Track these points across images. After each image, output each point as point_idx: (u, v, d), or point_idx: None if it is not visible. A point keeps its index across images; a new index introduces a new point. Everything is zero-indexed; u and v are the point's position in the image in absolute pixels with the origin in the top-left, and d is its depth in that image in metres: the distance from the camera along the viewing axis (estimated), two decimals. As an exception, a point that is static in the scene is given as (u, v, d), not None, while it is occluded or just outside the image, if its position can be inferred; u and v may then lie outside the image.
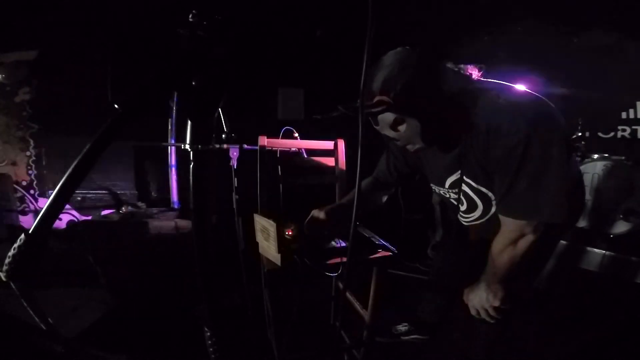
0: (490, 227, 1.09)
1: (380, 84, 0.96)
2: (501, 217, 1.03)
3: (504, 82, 1.05)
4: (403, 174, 1.41)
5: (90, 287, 2.02)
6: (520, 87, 1.05)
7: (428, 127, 1.02)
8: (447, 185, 1.18)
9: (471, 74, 1.04)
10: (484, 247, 1.09)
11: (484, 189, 1.08)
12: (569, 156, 0.95)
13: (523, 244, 1.00)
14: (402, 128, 1.04)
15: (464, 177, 1.09)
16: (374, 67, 0.99)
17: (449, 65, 1.00)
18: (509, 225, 1.01)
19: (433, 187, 1.28)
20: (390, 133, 1.07)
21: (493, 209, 1.10)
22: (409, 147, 1.12)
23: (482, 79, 1.05)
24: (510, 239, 1.01)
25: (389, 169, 1.42)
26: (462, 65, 1.03)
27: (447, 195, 1.22)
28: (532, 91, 1.01)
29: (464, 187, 1.12)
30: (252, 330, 1.59)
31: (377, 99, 0.96)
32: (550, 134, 0.90)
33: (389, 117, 1.02)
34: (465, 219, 1.23)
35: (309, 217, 1.29)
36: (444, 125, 1.04)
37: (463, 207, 1.19)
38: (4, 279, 0.53)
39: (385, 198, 1.51)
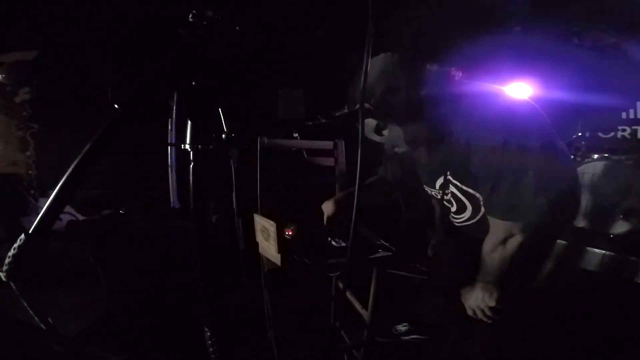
0: (482, 228, 1.09)
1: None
2: (489, 218, 1.04)
3: (486, 84, 1.06)
4: (397, 176, 1.42)
5: (90, 287, 2.02)
6: (502, 88, 1.06)
7: (410, 132, 1.04)
8: (437, 186, 1.19)
9: (454, 77, 1.04)
10: (478, 247, 1.10)
11: (471, 191, 1.09)
12: (553, 156, 0.95)
13: (512, 244, 1.01)
14: (385, 133, 1.06)
15: (451, 179, 1.11)
16: (356, 73, 0.99)
17: (431, 68, 1.01)
18: (496, 226, 1.02)
19: (426, 189, 1.29)
20: (376, 138, 1.09)
21: (482, 210, 1.10)
22: (396, 150, 1.14)
23: (464, 81, 1.05)
24: (499, 239, 1.02)
25: (386, 171, 1.44)
26: (445, 68, 1.04)
27: (439, 197, 1.22)
28: (517, 92, 1.02)
29: (452, 189, 1.13)
30: (252, 330, 1.59)
31: (358, 105, 0.97)
32: (528, 135, 0.91)
33: (372, 122, 1.04)
34: (457, 220, 1.23)
35: (326, 215, 1.31)
36: (426, 129, 1.05)
37: (453, 208, 1.20)
38: (4, 279, 0.53)
39: (393, 194, 1.52)
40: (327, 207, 1.32)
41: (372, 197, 1.47)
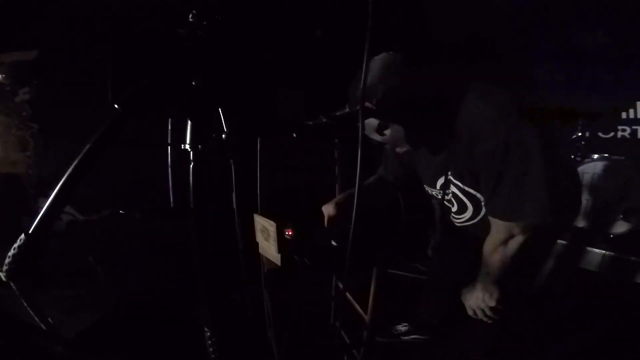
0: (483, 228, 1.09)
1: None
2: (490, 218, 1.03)
3: (488, 84, 1.06)
4: (398, 176, 1.42)
5: (90, 287, 2.02)
6: (504, 88, 1.06)
7: (412, 131, 1.05)
8: (437, 186, 1.19)
9: (455, 76, 1.04)
10: (479, 247, 1.10)
11: (472, 191, 1.09)
12: (554, 156, 0.96)
13: (513, 244, 1.00)
14: (387, 132, 1.06)
15: (452, 179, 1.11)
16: (358, 73, 0.99)
17: (432, 68, 1.01)
18: (497, 227, 1.02)
19: (426, 188, 1.29)
20: (377, 137, 1.09)
21: (484, 211, 1.10)
22: (397, 149, 1.14)
23: (466, 80, 1.05)
24: (500, 239, 1.02)
25: (386, 171, 1.44)
26: (446, 67, 1.04)
27: (439, 197, 1.22)
28: (518, 92, 1.02)
29: (453, 189, 1.13)
30: (252, 330, 1.59)
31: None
32: (530, 135, 0.91)
33: (373, 122, 1.04)
34: (457, 220, 1.23)
35: (327, 217, 1.31)
36: (428, 129, 1.05)
37: (454, 209, 1.20)
38: (4, 279, 0.53)
39: (393, 194, 1.53)
40: (328, 209, 1.32)
41: (372, 198, 1.47)
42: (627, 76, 2.77)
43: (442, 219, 1.34)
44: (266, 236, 1.16)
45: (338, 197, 1.39)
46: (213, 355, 0.66)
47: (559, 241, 2.29)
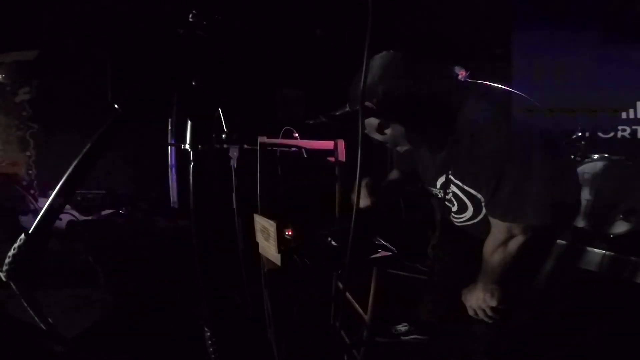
0: (483, 228, 1.09)
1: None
2: (490, 218, 1.03)
3: (490, 84, 1.06)
4: (406, 172, 1.42)
5: (90, 287, 2.02)
6: (505, 88, 1.06)
7: (413, 131, 1.04)
8: (438, 186, 1.19)
9: (457, 76, 1.04)
10: (479, 247, 1.10)
11: (472, 191, 1.09)
12: (555, 157, 0.96)
13: (513, 245, 1.01)
14: (388, 131, 1.06)
15: (452, 179, 1.11)
16: (358, 72, 0.99)
17: (434, 67, 1.01)
18: (498, 227, 1.02)
19: (426, 188, 1.29)
20: (378, 136, 1.09)
21: (484, 211, 1.10)
22: (398, 148, 1.14)
23: (468, 80, 1.05)
24: (501, 240, 1.02)
25: (403, 166, 1.45)
26: (447, 67, 1.04)
27: (440, 196, 1.22)
28: (518, 92, 1.02)
29: (453, 188, 1.13)
30: (252, 330, 1.59)
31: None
32: (532, 137, 0.91)
33: (374, 121, 1.04)
34: (458, 220, 1.23)
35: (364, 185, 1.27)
36: (429, 128, 1.05)
37: (454, 208, 1.20)
38: (4, 279, 0.53)
39: (413, 186, 1.53)
40: (360, 197, 1.26)
41: (399, 191, 1.46)
42: (627, 76, 2.77)
43: (442, 219, 1.34)
44: (266, 236, 1.16)
45: (363, 183, 1.30)
46: (213, 355, 0.66)
47: (559, 241, 2.29)
